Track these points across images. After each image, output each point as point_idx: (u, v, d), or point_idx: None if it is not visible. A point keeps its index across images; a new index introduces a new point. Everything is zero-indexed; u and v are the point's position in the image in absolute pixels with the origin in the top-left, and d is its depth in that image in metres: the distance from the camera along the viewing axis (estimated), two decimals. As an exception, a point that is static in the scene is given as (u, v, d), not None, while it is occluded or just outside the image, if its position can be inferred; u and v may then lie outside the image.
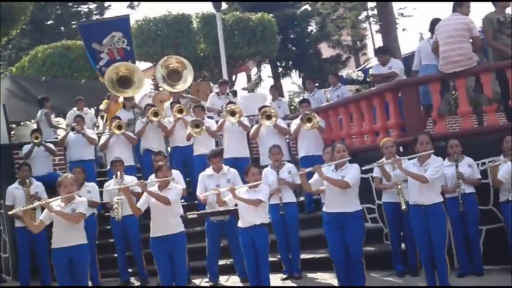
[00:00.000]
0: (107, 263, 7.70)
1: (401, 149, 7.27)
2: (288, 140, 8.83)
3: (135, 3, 27.86)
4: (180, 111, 9.00)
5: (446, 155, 6.38)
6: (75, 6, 26.89)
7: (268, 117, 8.19)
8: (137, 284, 7.48)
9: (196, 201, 7.50)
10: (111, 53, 12.33)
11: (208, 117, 9.63)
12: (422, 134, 6.05)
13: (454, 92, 7.96)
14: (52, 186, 6.96)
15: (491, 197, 6.56)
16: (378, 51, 9.28)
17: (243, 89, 21.59)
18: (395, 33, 14.98)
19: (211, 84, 13.30)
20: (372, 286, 6.07)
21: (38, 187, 7.54)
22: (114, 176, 7.50)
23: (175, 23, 19.99)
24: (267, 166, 7.16)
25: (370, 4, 25.76)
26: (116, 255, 7.61)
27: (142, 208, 5.87)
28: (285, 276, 6.88)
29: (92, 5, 27.44)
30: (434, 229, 5.62)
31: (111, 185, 7.35)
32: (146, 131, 9.12)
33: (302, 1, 25.83)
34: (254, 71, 25.96)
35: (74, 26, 24.11)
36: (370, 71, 10.01)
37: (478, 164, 6.54)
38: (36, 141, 8.62)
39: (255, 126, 8.53)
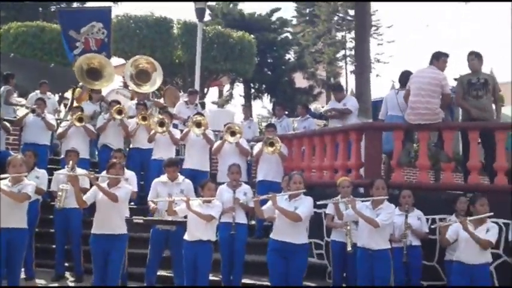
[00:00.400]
0: (44, 252, 7.50)
1: (360, 190, 7.32)
2: (249, 162, 8.82)
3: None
4: (144, 119, 8.94)
5: (398, 204, 6.42)
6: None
7: (233, 134, 8.19)
8: (71, 279, 7.31)
9: (146, 206, 7.38)
10: (87, 43, 12.22)
11: (174, 125, 9.57)
12: (378, 178, 6.16)
13: (416, 145, 8.14)
14: (2, 165, 6.78)
15: (436, 254, 6.64)
16: (334, 88, 9.48)
17: (213, 102, 21.56)
18: (369, 76, 15.31)
19: (181, 93, 13.22)
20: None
21: None
22: (66, 166, 7.33)
23: (155, 25, 19.96)
24: (223, 183, 7.12)
25: (349, 44, 26.38)
26: (54, 246, 7.41)
27: (88, 201, 5.76)
28: (223, 296, 6.80)
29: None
30: (378, 274, 5.68)
31: (61, 173, 7.18)
32: (107, 127, 9.01)
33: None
34: (227, 87, 26.04)
35: (53, 9, 23.67)
36: (325, 107, 10.16)
37: (428, 219, 6.62)
38: None
39: (219, 141, 8.49)
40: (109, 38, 12.51)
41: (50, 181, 7.64)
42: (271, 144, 7.97)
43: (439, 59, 7.37)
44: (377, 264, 5.69)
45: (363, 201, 5.98)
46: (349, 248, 6.05)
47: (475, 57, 7.54)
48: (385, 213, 5.76)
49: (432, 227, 6.27)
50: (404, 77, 7.91)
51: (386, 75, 49.46)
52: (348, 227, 6.12)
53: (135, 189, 7.22)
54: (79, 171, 7.14)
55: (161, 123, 8.53)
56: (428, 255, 6.61)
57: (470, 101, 7.46)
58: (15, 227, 5.49)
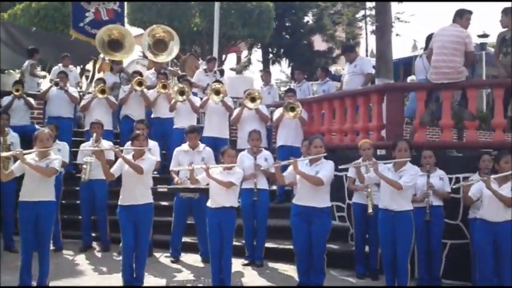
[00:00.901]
0: (70, 224, 7.68)
1: (381, 151, 7.28)
2: (268, 128, 8.83)
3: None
4: (164, 87, 9.01)
5: (419, 164, 6.31)
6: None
7: (253, 100, 8.18)
8: (98, 248, 7.47)
9: (169, 175, 7.49)
10: (98, 13, 12.35)
11: (193, 93, 9.60)
12: (401, 140, 6.06)
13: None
14: (27, 139, 6.91)
15: (460, 213, 6.58)
16: (345, 49, 9.44)
17: (231, 69, 21.50)
18: (390, 37, 14.97)
19: (200, 61, 13.21)
20: (329, 286, 6.07)
21: (14, 138, 7.41)
22: (91, 138, 7.44)
23: (173, -7, 19.77)
24: (243, 150, 7.15)
25: (369, 4, 25.80)
26: (80, 217, 7.57)
27: (116, 174, 5.83)
28: (246, 262, 6.89)
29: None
30: (400, 236, 5.68)
31: (87, 146, 7.28)
32: (129, 98, 9.11)
33: None
34: (245, 53, 25.85)
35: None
36: (344, 70, 10.01)
37: (452, 178, 6.55)
38: (16, 93, 8.54)
39: (238, 109, 8.49)
40: (122, 8, 12.56)
41: (75, 153, 7.77)
42: (292, 109, 7.94)
43: (462, 16, 7.19)
44: (399, 226, 5.68)
45: (385, 163, 5.95)
46: (369, 210, 6.05)
47: (504, 15, 7.31)
48: (408, 175, 5.70)
49: (454, 186, 6.20)
50: (430, 40, 7.76)
51: (407, 35, 48.61)
52: (369, 189, 6.12)
53: (158, 159, 7.30)
54: (104, 143, 7.27)
55: (181, 92, 8.59)
56: (452, 214, 6.55)
57: (501, 59, 7.30)
58: (42, 200, 5.57)
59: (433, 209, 6.21)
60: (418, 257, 6.34)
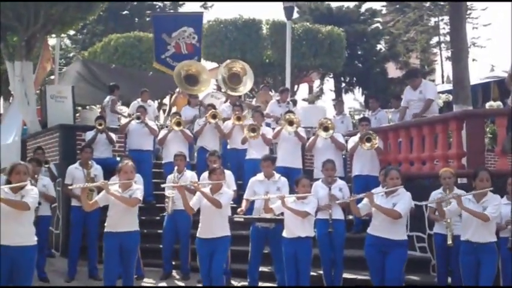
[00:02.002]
0: (151, 252, 7.85)
1: (458, 180, 7.04)
2: (344, 156, 8.76)
3: (209, 3, 28.40)
4: (238, 119, 9.22)
5: (503, 192, 6.02)
6: (151, 0, 27.79)
7: (326, 129, 8.17)
8: (177, 277, 7.59)
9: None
10: (178, 47, 12.90)
11: (266, 124, 9.72)
12: (482, 169, 5.83)
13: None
14: (109, 171, 7.22)
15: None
16: (409, 75, 9.21)
17: (304, 99, 21.58)
18: (467, 62, 14.57)
19: (272, 93, 13.41)
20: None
21: (97, 170, 7.72)
22: (174, 170, 7.60)
23: (245, 27, 20.25)
24: (319, 179, 7.12)
25: (443, 30, 25.30)
26: (161, 246, 7.73)
27: (195, 207, 5.97)
28: (325, 292, 6.80)
29: (167, 1, 28.23)
30: (484, 267, 5.46)
31: (171, 179, 7.40)
32: (203, 130, 9.37)
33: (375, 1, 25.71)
34: (317, 83, 25.92)
35: (147, 19, 24.85)
36: (403, 98, 9.74)
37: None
38: (100, 127, 8.89)
39: (312, 137, 8.51)
40: (200, 43, 13.05)
41: (155, 184, 7.95)
42: (368, 140, 7.85)
43: None
44: (483, 258, 5.46)
45: (466, 195, 5.74)
46: (449, 242, 5.84)
47: None
48: (492, 205, 5.48)
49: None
50: None
51: (483, 59, 46.88)
52: (448, 220, 5.91)
53: (234, 188, 7.39)
54: (188, 173, 7.45)
55: (253, 129, 8.70)
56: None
57: None
58: (127, 230, 5.75)
59: (519, 239, 5.89)
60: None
